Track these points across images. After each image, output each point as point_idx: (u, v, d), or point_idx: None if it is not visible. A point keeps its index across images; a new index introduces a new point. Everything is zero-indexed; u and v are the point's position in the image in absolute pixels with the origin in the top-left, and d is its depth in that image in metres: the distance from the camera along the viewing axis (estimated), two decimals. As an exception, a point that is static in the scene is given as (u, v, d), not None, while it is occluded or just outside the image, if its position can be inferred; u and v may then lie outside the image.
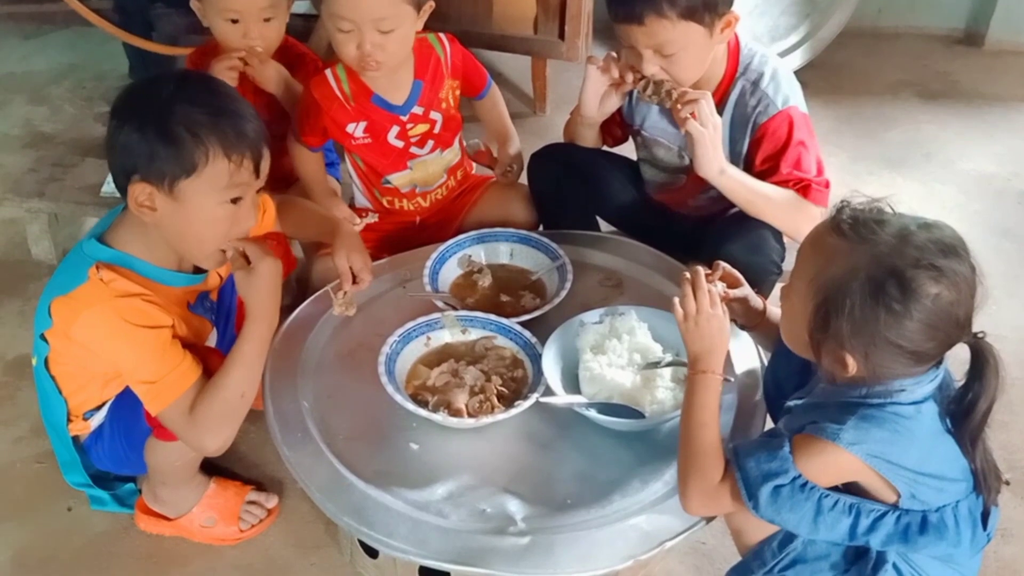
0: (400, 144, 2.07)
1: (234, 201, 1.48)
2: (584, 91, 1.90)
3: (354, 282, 1.79)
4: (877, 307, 1.19)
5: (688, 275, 1.46)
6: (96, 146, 2.97)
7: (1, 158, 2.98)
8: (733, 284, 1.55)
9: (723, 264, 1.56)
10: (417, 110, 2.04)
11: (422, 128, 2.07)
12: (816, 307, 1.24)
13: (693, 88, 1.77)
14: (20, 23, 3.64)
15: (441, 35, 2.06)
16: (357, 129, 2.04)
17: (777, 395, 1.53)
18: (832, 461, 1.25)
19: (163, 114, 1.41)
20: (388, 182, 2.15)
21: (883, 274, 1.19)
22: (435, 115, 2.07)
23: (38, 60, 3.57)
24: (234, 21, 2.02)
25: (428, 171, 2.14)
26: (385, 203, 2.18)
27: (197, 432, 1.50)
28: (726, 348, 1.43)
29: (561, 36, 2.87)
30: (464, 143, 2.21)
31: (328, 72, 2.01)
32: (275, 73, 2.07)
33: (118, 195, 2.32)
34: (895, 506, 1.27)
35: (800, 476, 1.25)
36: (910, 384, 1.25)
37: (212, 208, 1.47)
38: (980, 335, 1.24)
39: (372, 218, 2.08)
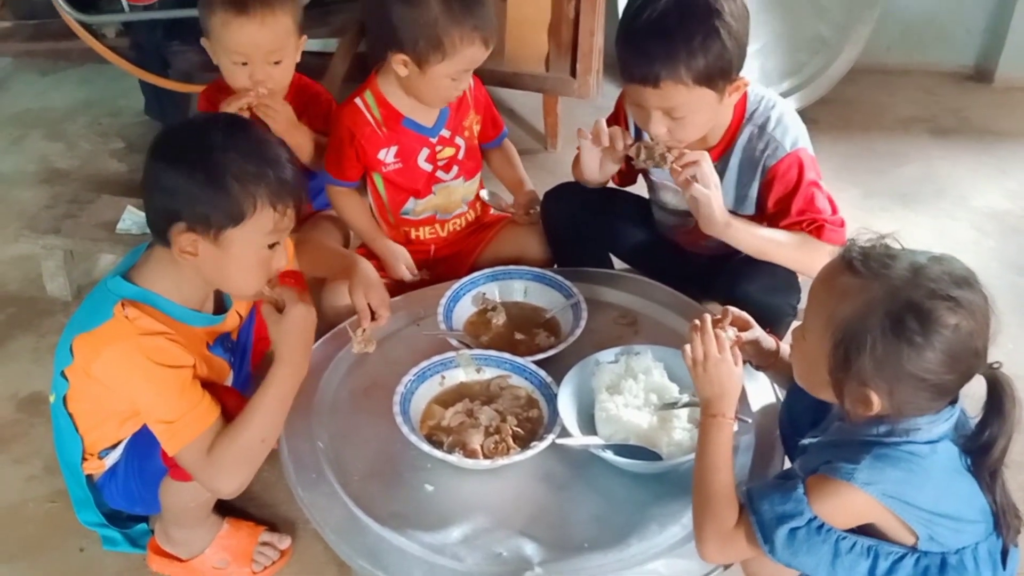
0: (429, 168, 2.12)
1: (271, 246, 1.51)
2: (583, 162, 1.92)
3: (372, 319, 1.78)
4: (899, 342, 1.18)
5: (697, 322, 1.46)
6: (112, 182, 3.00)
7: (17, 193, 3.01)
8: (743, 327, 1.55)
9: (732, 309, 1.55)
10: (445, 133, 2.10)
11: (449, 152, 2.12)
12: (835, 347, 1.23)
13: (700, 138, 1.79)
14: (37, 60, 3.68)
15: None
16: (388, 155, 2.08)
17: (793, 433, 1.52)
18: (847, 501, 1.23)
19: (214, 163, 1.42)
20: (407, 213, 2.17)
21: (901, 308, 1.18)
22: (460, 141, 2.12)
23: (54, 96, 3.61)
24: (243, 64, 2.01)
25: (450, 198, 2.18)
26: (404, 229, 2.21)
27: (213, 474, 1.49)
28: (738, 392, 1.42)
29: (573, 73, 2.89)
30: (481, 192, 2.24)
31: (358, 100, 2.05)
32: (285, 115, 2.07)
33: (134, 232, 2.39)
34: (913, 548, 1.26)
35: (816, 518, 1.24)
36: (926, 423, 1.25)
37: (253, 254, 1.49)
38: (996, 365, 1.24)
39: (425, 274, 2.11)
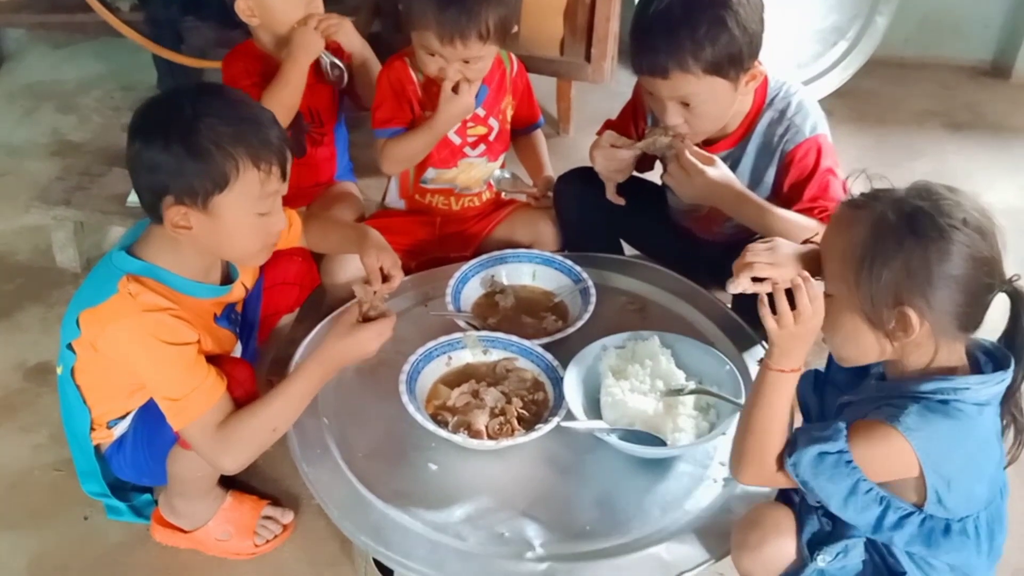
0: (457, 141, 2.12)
1: (265, 214, 1.51)
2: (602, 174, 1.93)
3: (384, 281, 1.76)
4: (919, 240, 1.20)
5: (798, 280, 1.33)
6: (123, 156, 2.93)
7: (28, 164, 3.01)
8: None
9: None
10: (480, 111, 2.10)
11: (480, 130, 2.13)
12: (860, 270, 1.23)
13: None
14: (51, 32, 3.68)
15: (512, 55, 2.14)
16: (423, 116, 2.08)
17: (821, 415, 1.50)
18: (888, 447, 1.23)
19: (190, 131, 1.42)
20: (425, 181, 2.17)
21: (910, 211, 1.22)
22: (493, 122, 2.13)
23: (68, 69, 3.61)
24: None
25: (471, 175, 2.18)
26: (417, 197, 2.21)
27: (218, 450, 1.50)
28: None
29: (587, 58, 2.87)
30: (496, 172, 2.23)
31: (406, 59, 2.06)
32: (353, 29, 2.16)
33: (144, 206, 2.38)
34: (919, 509, 1.28)
35: (847, 452, 1.25)
36: (976, 383, 1.25)
37: (245, 219, 1.49)
38: (1015, 277, 1.26)
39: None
